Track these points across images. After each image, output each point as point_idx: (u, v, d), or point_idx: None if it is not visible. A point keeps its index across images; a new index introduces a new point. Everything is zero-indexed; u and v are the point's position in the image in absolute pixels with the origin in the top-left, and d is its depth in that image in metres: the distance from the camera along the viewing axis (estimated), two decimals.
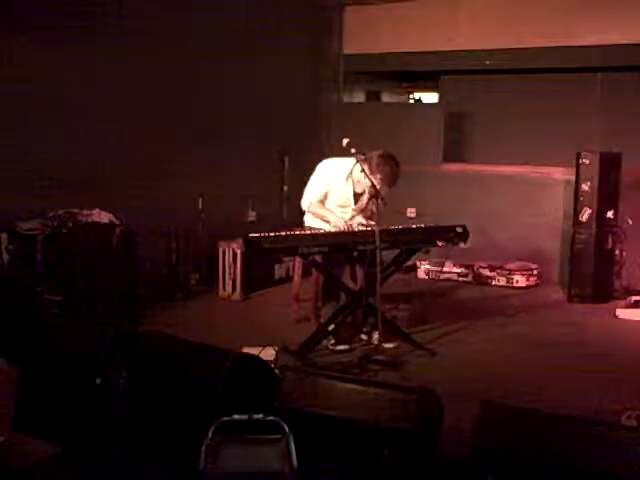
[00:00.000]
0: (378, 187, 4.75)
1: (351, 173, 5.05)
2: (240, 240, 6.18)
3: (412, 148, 7.83)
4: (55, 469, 3.14)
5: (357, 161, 4.90)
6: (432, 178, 7.89)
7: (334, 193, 5.09)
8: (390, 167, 4.89)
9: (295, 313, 5.75)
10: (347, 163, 5.06)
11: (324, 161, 5.21)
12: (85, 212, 5.31)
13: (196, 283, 6.76)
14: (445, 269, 7.45)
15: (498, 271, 7.26)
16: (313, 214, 5.15)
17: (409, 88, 10.79)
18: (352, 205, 5.11)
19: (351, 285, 5.02)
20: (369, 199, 4.85)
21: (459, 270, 7.43)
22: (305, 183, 5.22)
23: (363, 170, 4.83)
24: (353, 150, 4.89)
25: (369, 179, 4.79)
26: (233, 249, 6.50)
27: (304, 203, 5.16)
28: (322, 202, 5.11)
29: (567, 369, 4.76)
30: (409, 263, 6.06)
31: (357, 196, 5.12)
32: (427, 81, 9.88)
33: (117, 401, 3.45)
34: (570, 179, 6.83)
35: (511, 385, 4.35)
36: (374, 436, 3.16)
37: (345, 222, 4.98)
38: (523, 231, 7.46)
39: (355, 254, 4.98)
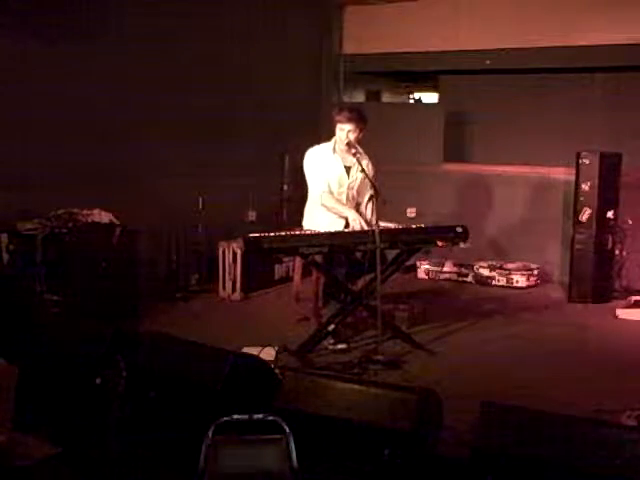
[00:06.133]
0: (352, 132, 4.86)
1: (334, 147, 5.04)
2: (240, 240, 6.17)
3: (412, 148, 7.85)
4: (55, 469, 3.15)
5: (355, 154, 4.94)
6: (432, 178, 7.88)
7: (329, 174, 5.04)
8: (342, 108, 5.02)
9: (295, 313, 5.75)
10: (328, 143, 5.09)
11: (307, 153, 5.16)
12: (85, 212, 5.32)
13: (196, 283, 6.76)
14: (445, 269, 7.45)
15: (498, 271, 7.24)
16: (328, 209, 5.02)
17: (409, 88, 10.80)
18: (346, 180, 5.08)
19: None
20: (369, 199, 4.84)
21: (459, 270, 7.43)
22: (305, 183, 5.22)
23: (356, 153, 4.89)
24: (354, 150, 4.91)
25: (367, 176, 4.82)
26: (233, 249, 6.50)
27: (316, 196, 5.05)
28: (332, 193, 5.03)
29: (567, 369, 4.76)
30: (409, 263, 6.05)
31: (348, 170, 5.09)
32: (427, 81, 9.89)
33: (117, 401, 3.45)
34: (570, 179, 6.83)
35: (511, 385, 4.35)
36: (374, 436, 3.16)
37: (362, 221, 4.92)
38: (523, 231, 7.46)
39: (359, 254, 4.98)
